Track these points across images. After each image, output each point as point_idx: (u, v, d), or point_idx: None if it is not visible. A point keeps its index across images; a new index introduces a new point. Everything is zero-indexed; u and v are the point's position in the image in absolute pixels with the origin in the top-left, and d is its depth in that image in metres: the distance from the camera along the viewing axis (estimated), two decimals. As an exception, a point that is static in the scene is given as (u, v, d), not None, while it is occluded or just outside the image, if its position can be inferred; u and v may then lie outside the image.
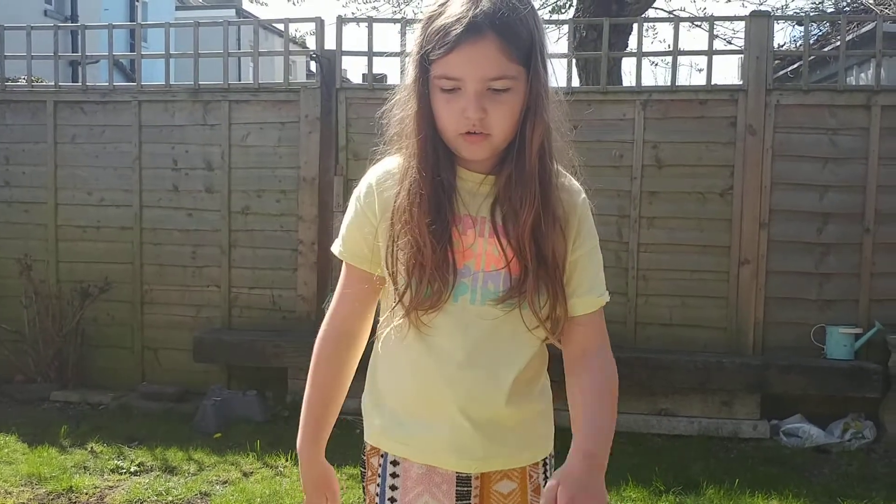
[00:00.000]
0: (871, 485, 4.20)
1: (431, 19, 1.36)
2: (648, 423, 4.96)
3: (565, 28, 7.79)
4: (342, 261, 1.54)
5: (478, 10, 1.32)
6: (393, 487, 1.51)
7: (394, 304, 1.44)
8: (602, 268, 1.53)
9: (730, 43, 9.97)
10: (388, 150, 1.49)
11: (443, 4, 1.36)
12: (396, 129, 1.44)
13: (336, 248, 1.54)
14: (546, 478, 1.57)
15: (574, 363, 1.48)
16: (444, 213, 1.41)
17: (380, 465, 1.53)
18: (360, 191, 1.51)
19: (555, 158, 1.44)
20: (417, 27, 1.40)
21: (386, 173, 1.47)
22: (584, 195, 1.50)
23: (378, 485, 1.52)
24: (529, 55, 1.36)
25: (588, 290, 1.49)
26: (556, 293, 1.43)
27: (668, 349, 5.16)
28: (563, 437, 1.65)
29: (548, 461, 1.58)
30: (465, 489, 1.49)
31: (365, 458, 1.57)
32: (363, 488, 1.58)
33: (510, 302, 1.43)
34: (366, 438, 1.57)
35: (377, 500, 1.52)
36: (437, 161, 1.41)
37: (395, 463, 1.51)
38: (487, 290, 1.44)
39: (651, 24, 10.49)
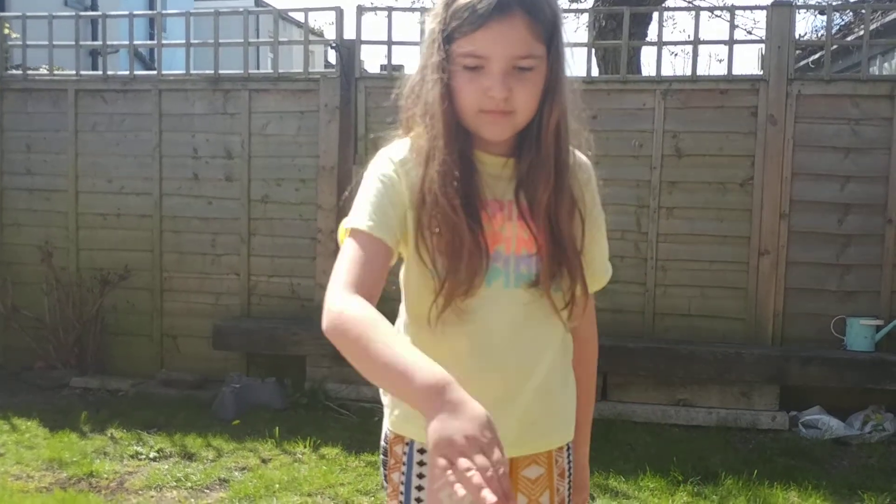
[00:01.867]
0: (892, 477, 4.17)
1: None
2: (667, 413, 4.95)
3: (585, 17, 7.77)
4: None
5: None
6: (421, 476, 1.47)
7: (438, 291, 1.39)
8: (606, 241, 1.58)
9: (750, 33, 9.89)
10: (400, 133, 1.46)
11: None
12: (417, 111, 1.41)
13: (361, 222, 1.35)
14: (569, 462, 1.56)
15: (574, 335, 1.55)
16: (473, 198, 1.39)
17: (404, 454, 1.49)
18: (380, 167, 1.42)
19: (569, 140, 1.43)
20: (439, 4, 1.37)
21: (406, 155, 1.43)
22: (590, 169, 1.52)
23: (403, 473, 1.49)
24: (552, 35, 1.35)
25: (601, 270, 1.55)
26: (576, 275, 1.43)
27: (687, 340, 5.14)
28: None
29: (570, 444, 1.57)
30: None
31: (387, 445, 1.52)
32: (385, 476, 1.54)
33: (542, 285, 1.42)
34: (389, 426, 1.53)
35: (402, 488, 1.48)
36: (462, 143, 1.39)
37: (422, 451, 1.47)
38: (521, 273, 1.42)
39: (671, 13, 10.43)
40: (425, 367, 1.11)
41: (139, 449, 4.37)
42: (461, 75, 1.35)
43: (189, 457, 4.31)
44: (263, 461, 4.27)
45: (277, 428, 4.63)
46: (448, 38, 1.35)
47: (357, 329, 1.19)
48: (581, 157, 1.50)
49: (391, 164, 1.43)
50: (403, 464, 1.49)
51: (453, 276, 1.38)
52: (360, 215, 1.37)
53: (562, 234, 1.41)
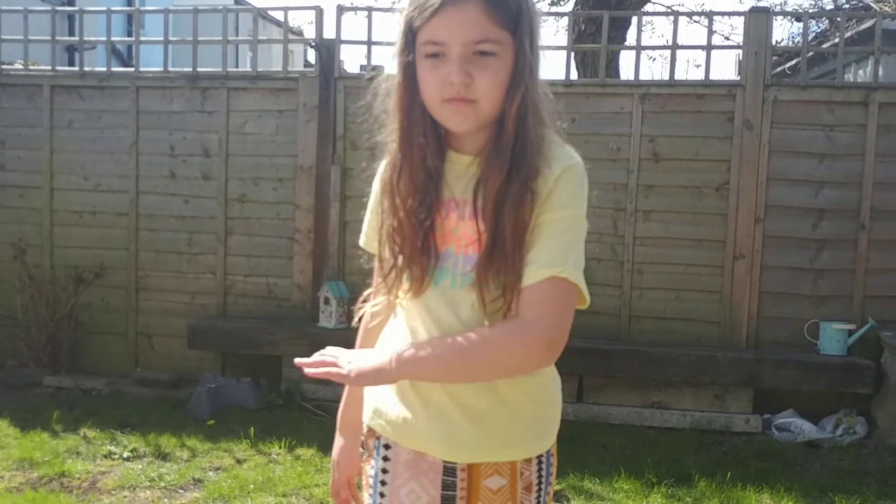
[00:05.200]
0: (862, 480, 4.22)
1: None
2: (641, 415, 4.97)
3: (564, 21, 7.80)
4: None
5: None
6: (384, 471, 1.50)
7: (375, 286, 1.48)
8: (569, 241, 1.35)
9: (728, 38, 9.97)
10: (381, 135, 1.49)
11: None
12: (383, 106, 1.44)
13: (361, 240, 1.61)
14: (541, 476, 1.50)
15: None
16: (428, 198, 1.40)
17: (374, 447, 1.52)
18: (376, 181, 1.54)
19: (546, 132, 1.39)
20: (404, 1, 1.39)
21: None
22: (569, 164, 1.38)
23: (372, 466, 1.52)
24: (516, 24, 1.34)
25: (532, 260, 1.34)
26: (512, 271, 1.34)
27: (662, 342, 5.17)
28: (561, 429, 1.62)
29: (543, 459, 1.50)
30: (451, 479, 1.45)
31: (364, 438, 1.57)
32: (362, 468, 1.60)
33: (477, 281, 1.37)
34: (364, 419, 1.57)
35: (371, 480, 1.52)
36: (423, 138, 1.39)
37: (387, 446, 1.50)
38: (465, 273, 1.40)
39: (650, 18, 10.49)
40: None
41: (112, 448, 4.34)
42: (424, 65, 1.36)
43: (163, 457, 4.28)
44: (238, 461, 4.25)
45: (252, 428, 4.61)
46: (411, 29, 1.36)
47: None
48: (565, 153, 1.40)
49: (380, 169, 1.52)
50: (373, 457, 1.52)
51: (391, 275, 1.43)
52: (363, 229, 1.60)
53: (504, 227, 1.35)
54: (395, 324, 1.52)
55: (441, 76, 1.33)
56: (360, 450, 1.58)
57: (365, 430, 1.56)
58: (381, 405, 1.51)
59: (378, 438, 1.51)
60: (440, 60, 1.34)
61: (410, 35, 1.36)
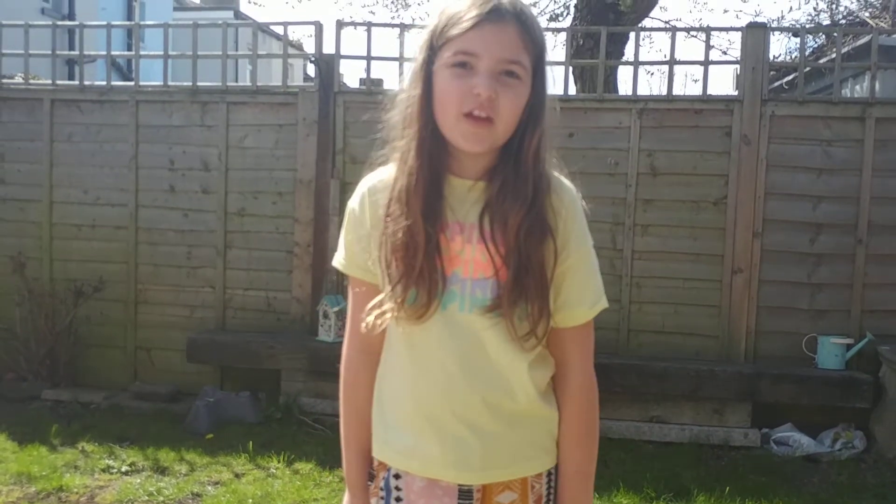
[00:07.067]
0: (861, 494, 4.22)
1: (449, 6, 1.38)
2: (640, 429, 4.97)
3: (563, 36, 7.84)
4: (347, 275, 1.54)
5: (499, 0, 1.36)
6: (398, 500, 1.48)
7: (375, 308, 1.43)
8: (597, 273, 1.50)
9: (725, 53, 10.02)
10: (388, 154, 1.47)
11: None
12: (399, 118, 1.42)
13: (337, 261, 1.54)
14: (550, 488, 1.52)
15: (556, 376, 1.51)
16: (432, 218, 1.39)
17: (384, 478, 1.50)
18: (354, 200, 1.51)
19: (548, 164, 1.44)
20: (434, 13, 1.41)
21: (379, 182, 1.46)
22: (574, 196, 1.47)
23: (382, 498, 1.49)
24: (539, 58, 1.38)
25: (578, 302, 1.46)
26: (542, 303, 1.40)
27: (661, 356, 5.17)
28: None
29: (552, 471, 1.52)
30: (468, 502, 1.46)
31: (374, 471, 1.54)
32: None
33: (498, 311, 1.39)
34: (373, 452, 1.53)
35: None
36: (433, 155, 1.39)
37: (397, 476, 1.48)
38: (475, 297, 1.40)
39: (648, 33, 10.53)
40: (351, 469, 1.56)
41: (111, 462, 4.33)
42: (447, 74, 1.36)
43: (161, 471, 4.28)
44: (237, 476, 4.25)
45: (251, 442, 4.60)
46: (439, 41, 1.37)
47: (347, 400, 1.57)
48: (565, 183, 1.48)
49: (362, 193, 1.49)
50: (381, 489, 1.50)
51: (395, 296, 1.39)
52: (338, 253, 1.55)
53: (529, 259, 1.38)
54: (391, 363, 1.50)
55: (466, 87, 1.34)
56: (369, 483, 1.55)
57: (375, 462, 1.53)
58: (391, 435, 1.49)
59: (388, 470, 1.49)
60: (466, 71, 1.34)
61: (437, 45, 1.37)
